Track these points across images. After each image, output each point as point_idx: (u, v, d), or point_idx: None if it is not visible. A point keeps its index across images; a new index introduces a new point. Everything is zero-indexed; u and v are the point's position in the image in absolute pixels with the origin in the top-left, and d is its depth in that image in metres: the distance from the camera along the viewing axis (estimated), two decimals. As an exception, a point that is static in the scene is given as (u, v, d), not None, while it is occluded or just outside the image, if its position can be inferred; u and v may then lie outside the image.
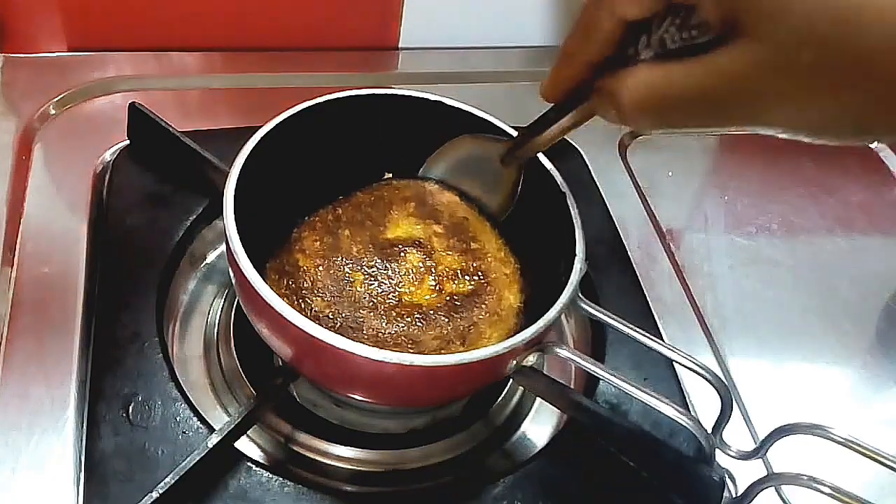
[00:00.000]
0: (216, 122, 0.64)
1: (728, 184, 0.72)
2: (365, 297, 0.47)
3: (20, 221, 0.56)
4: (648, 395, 0.43)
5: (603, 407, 0.48)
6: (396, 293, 0.47)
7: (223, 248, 0.55)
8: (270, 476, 0.45)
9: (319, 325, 0.40)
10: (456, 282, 0.49)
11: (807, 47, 0.29)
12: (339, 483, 0.48)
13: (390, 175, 0.53)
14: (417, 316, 0.47)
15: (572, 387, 0.55)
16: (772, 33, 0.29)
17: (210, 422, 0.47)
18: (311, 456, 0.49)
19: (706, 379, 0.44)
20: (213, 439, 0.44)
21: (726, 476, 0.47)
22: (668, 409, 0.43)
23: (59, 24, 0.69)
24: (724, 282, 0.63)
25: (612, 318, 0.46)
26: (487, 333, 0.47)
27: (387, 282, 0.48)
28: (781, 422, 0.45)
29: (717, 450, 0.45)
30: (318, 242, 0.49)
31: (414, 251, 0.49)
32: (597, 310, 0.47)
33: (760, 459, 0.47)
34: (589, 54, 0.37)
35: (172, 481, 0.42)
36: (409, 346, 0.45)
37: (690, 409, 0.53)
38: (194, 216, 0.57)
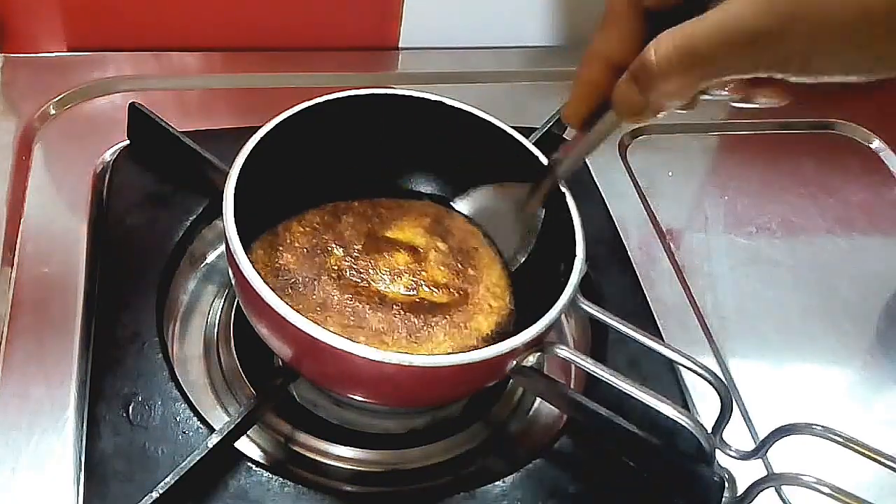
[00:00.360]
0: (216, 122, 0.64)
1: (728, 184, 0.72)
2: (333, 269, 0.48)
3: (20, 221, 0.56)
4: (648, 395, 0.43)
5: (603, 407, 0.48)
6: (366, 279, 0.48)
7: (223, 248, 0.55)
8: (270, 476, 0.45)
9: (278, 276, 0.45)
10: (433, 291, 0.49)
11: None
12: (339, 483, 0.48)
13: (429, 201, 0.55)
14: (375, 300, 0.47)
15: (572, 387, 0.55)
16: None
17: (210, 422, 0.47)
18: (311, 456, 0.49)
19: (706, 379, 0.44)
20: (213, 439, 0.44)
21: (726, 476, 0.47)
22: (668, 409, 0.43)
23: (59, 24, 0.69)
24: (724, 282, 0.63)
25: (613, 319, 0.46)
26: (440, 338, 0.46)
27: (363, 268, 0.49)
28: (781, 421, 0.45)
29: (717, 450, 0.45)
30: (318, 219, 0.51)
31: (405, 254, 0.50)
32: (597, 310, 0.47)
33: (760, 459, 0.47)
34: (610, 51, 0.38)
35: (172, 481, 0.42)
36: (350, 318, 0.46)
37: (691, 409, 0.53)
38: (194, 216, 0.57)
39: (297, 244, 0.49)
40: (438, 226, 0.52)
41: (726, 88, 0.38)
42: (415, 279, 0.49)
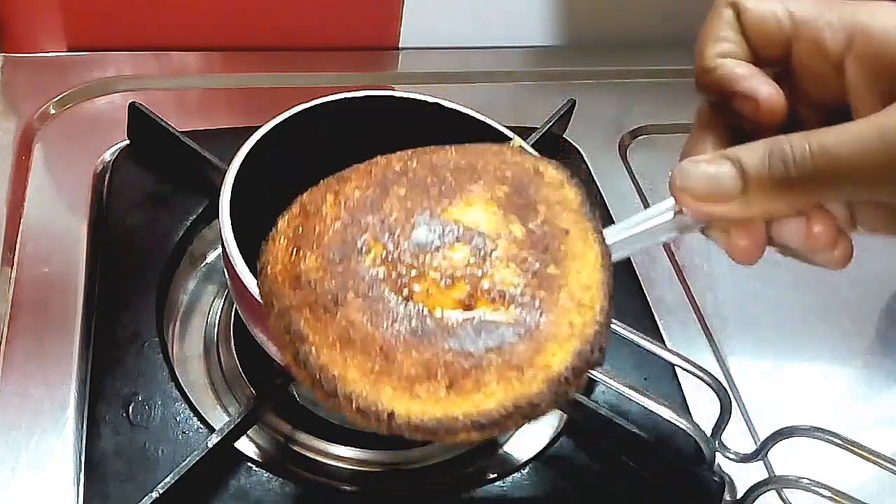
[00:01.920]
0: (216, 122, 0.64)
1: (728, 184, 0.72)
2: (365, 277, 0.36)
3: (20, 221, 0.56)
4: (647, 398, 0.43)
5: (603, 407, 0.48)
6: (407, 292, 0.36)
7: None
8: (270, 476, 0.45)
9: (297, 288, 0.35)
10: (495, 303, 0.36)
11: None
12: (339, 483, 0.48)
13: (519, 141, 0.43)
14: (414, 328, 0.35)
15: (572, 387, 0.55)
16: None
17: (210, 422, 0.47)
18: (311, 456, 0.49)
19: (705, 382, 0.44)
20: (213, 439, 0.44)
21: (726, 478, 0.47)
22: (667, 413, 0.43)
23: (59, 24, 0.69)
24: (724, 282, 0.63)
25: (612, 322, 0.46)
26: (490, 388, 0.34)
27: (405, 274, 0.36)
28: (782, 422, 0.45)
29: (717, 452, 0.45)
30: (360, 191, 0.39)
31: (464, 246, 0.37)
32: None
33: (761, 461, 0.47)
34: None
35: (172, 481, 0.42)
36: (377, 360, 0.34)
37: (691, 409, 0.52)
38: (194, 216, 0.57)
39: (326, 236, 0.38)
40: (519, 195, 0.39)
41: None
42: (473, 287, 0.36)
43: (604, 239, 0.38)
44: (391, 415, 0.33)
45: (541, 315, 0.35)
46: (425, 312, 0.35)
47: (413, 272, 0.36)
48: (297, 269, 0.37)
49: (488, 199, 0.39)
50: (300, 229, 0.38)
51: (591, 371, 0.36)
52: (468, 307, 0.35)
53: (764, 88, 0.33)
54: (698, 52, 0.35)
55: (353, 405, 0.33)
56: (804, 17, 0.33)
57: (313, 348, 0.34)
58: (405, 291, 0.36)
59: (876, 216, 0.34)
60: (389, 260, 0.37)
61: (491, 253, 0.37)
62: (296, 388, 0.51)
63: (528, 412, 0.33)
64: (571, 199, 0.39)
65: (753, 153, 0.31)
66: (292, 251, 0.38)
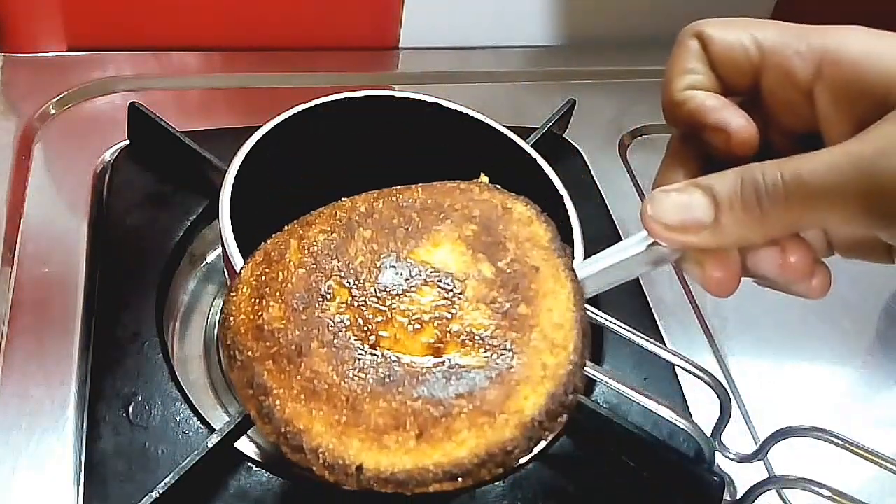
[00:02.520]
0: (216, 122, 0.64)
1: (728, 184, 0.72)
2: (329, 325, 0.35)
3: (20, 221, 0.56)
4: (647, 398, 0.43)
5: (603, 407, 0.48)
6: (373, 339, 0.35)
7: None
8: (270, 476, 0.45)
9: (259, 339, 0.34)
10: (465, 348, 0.35)
11: None
12: (338, 483, 0.48)
13: (486, 179, 0.42)
14: (381, 377, 0.34)
15: (572, 387, 0.55)
16: None
17: (210, 422, 0.47)
18: (311, 456, 0.49)
19: (705, 382, 0.44)
20: (213, 439, 0.44)
21: (726, 478, 0.47)
22: (667, 413, 0.43)
23: (59, 24, 0.69)
24: (724, 282, 0.63)
25: (611, 322, 0.46)
26: (462, 436, 0.32)
27: (371, 321, 0.35)
28: (782, 421, 0.45)
29: (717, 452, 0.45)
30: (325, 235, 0.39)
31: (432, 288, 0.36)
32: (594, 312, 0.46)
33: (761, 461, 0.47)
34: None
35: (172, 481, 0.42)
36: (343, 411, 0.33)
37: (690, 410, 0.52)
38: (194, 216, 0.57)
39: (290, 283, 0.37)
40: (487, 235, 0.38)
41: None
42: (442, 331, 0.35)
43: (576, 275, 0.37)
44: (359, 468, 0.32)
45: (512, 357, 0.34)
46: (393, 359, 0.34)
47: (380, 318, 0.35)
48: (260, 318, 0.36)
49: (456, 239, 0.38)
50: (263, 277, 0.37)
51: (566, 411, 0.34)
52: (438, 352, 0.34)
53: (735, 120, 0.33)
54: (666, 85, 0.35)
55: (320, 460, 0.32)
56: (772, 46, 0.33)
57: (277, 402, 0.33)
58: (372, 338, 0.35)
59: (853, 242, 0.34)
60: (355, 306, 0.36)
61: (460, 294, 0.36)
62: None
63: (501, 459, 0.32)
64: (541, 235, 0.39)
65: (725, 181, 0.31)
66: (255, 301, 0.37)
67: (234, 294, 0.37)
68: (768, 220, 0.30)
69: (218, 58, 0.73)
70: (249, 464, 0.45)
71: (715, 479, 0.46)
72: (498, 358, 0.34)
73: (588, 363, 0.40)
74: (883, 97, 0.29)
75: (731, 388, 0.55)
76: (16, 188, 0.58)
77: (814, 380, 0.59)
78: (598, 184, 0.66)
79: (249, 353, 0.35)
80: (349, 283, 0.36)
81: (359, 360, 0.34)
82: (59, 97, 0.66)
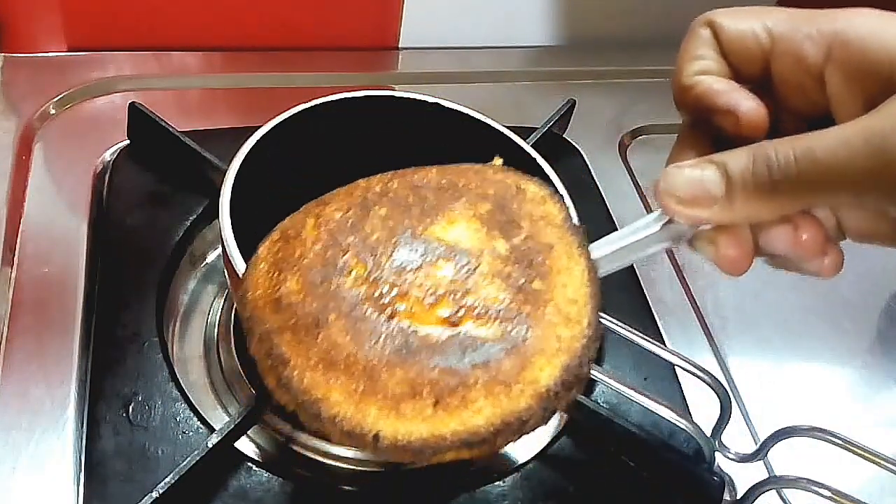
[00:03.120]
0: (216, 122, 0.64)
1: (728, 184, 0.72)
2: (346, 298, 0.35)
3: (20, 221, 0.56)
4: (647, 398, 0.43)
5: (603, 407, 0.48)
6: (391, 306, 0.35)
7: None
8: (270, 476, 0.45)
9: (278, 310, 0.35)
10: (480, 320, 0.35)
11: None
12: (339, 483, 0.48)
13: (500, 161, 0.43)
14: (398, 347, 0.34)
15: (572, 387, 0.55)
16: None
17: (210, 422, 0.47)
18: (311, 456, 0.49)
19: (705, 382, 0.45)
20: (213, 439, 0.44)
21: (726, 478, 0.47)
22: (667, 413, 0.43)
23: (59, 24, 0.69)
24: (724, 282, 0.63)
25: (610, 321, 0.46)
26: (478, 405, 0.33)
27: (388, 294, 0.36)
28: (782, 421, 0.45)
29: (717, 452, 0.45)
30: (341, 213, 0.39)
31: (447, 263, 0.37)
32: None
33: (762, 461, 0.47)
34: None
35: (172, 481, 0.42)
36: (361, 380, 0.33)
37: (690, 410, 0.52)
38: (194, 216, 0.57)
39: (307, 258, 0.37)
40: (501, 213, 0.39)
41: None
42: (458, 304, 0.35)
43: (589, 253, 0.37)
44: (376, 436, 0.32)
45: (527, 330, 0.35)
46: (410, 330, 0.35)
47: (396, 291, 0.36)
48: (278, 292, 0.36)
49: (471, 217, 0.38)
50: (280, 253, 0.38)
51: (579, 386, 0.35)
52: (453, 324, 0.35)
53: (744, 102, 0.33)
54: (676, 72, 0.35)
55: (338, 427, 0.33)
56: (782, 32, 0.33)
57: (295, 371, 0.34)
58: (388, 310, 0.35)
59: (863, 222, 0.34)
60: (371, 279, 0.36)
61: (475, 270, 0.36)
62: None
63: (516, 428, 0.33)
64: (555, 214, 0.39)
65: (738, 158, 0.31)
66: (273, 275, 0.37)
67: (251, 269, 0.38)
68: (780, 197, 0.30)
69: (218, 58, 0.73)
70: (249, 464, 0.45)
71: (715, 479, 0.46)
72: (513, 330, 0.35)
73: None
74: (891, 75, 0.30)
75: (731, 388, 0.55)
76: (16, 188, 0.58)
77: (814, 380, 0.59)
78: (598, 184, 0.66)
79: (267, 326, 0.35)
80: (365, 257, 0.37)
81: (376, 331, 0.34)
82: (59, 97, 0.66)
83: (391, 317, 0.35)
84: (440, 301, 0.35)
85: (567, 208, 0.39)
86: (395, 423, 0.32)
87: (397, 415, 0.33)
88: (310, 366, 0.34)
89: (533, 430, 0.33)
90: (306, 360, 0.34)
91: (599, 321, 0.36)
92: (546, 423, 0.34)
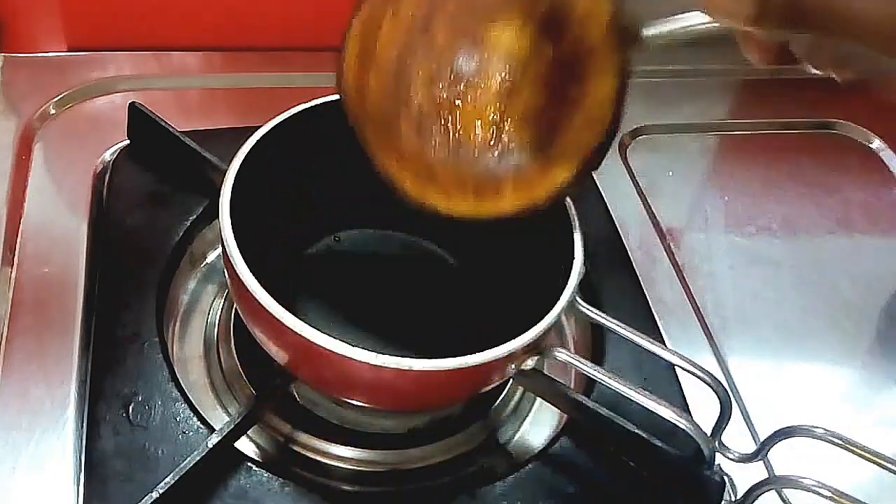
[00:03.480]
0: (216, 122, 0.64)
1: (728, 184, 0.72)
2: (413, 101, 0.43)
3: (20, 221, 0.56)
4: (647, 398, 0.43)
5: (603, 407, 0.48)
6: (448, 115, 0.43)
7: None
8: (270, 476, 0.45)
9: (364, 100, 0.45)
10: (521, 127, 0.42)
11: None
12: (339, 483, 0.48)
13: None
14: (452, 146, 0.43)
15: (572, 387, 0.55)
16: None
17: (210, 422, 0.47)
18: (311, 456, 0.49)
19: (705, 382, 0.44)
20: (213, 439, 0.44)
21: (726, 478, 0.47)
22: (667, 413, 0.43)
23: (59, 24, 0.69)
24: (724, 282, 0.63)
25: (610, 322, 0.46)
26: (506, 193, 0.43)
27: (446, 99, 0.43)
28: (782, 422, 0.45)
29: (717, 452, 0.45)
30: (413, 9, 0.44)
31: (499, 69, 0.42)
32: (595, 313, 0.47)
33: (762, 461, 0.47)
34: None
35: (172, 481, 0.42)
36: (423, 171, 0.44)
37: (690, 410, 0.52)
38: (194, 216, 0.57)
39: (384, 55, 0.44)
40: (556, 13, 0.41)
41: None
42: (503, 110, 0.42)
43: (626, 53, 0.41)
44: (433, 206, 0.44)
45: (557, 131, 0.42)
46: (460, 134, 0.43)
47: (453, 95, 0.42)
48: (362, 81, 0.45)
49: (527, 19, 0.41)
50: (361, 44, 0.46)
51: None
52: (497, 127, 0.42)
53: None
54: None
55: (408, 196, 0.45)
56: None
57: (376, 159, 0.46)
58: (444, 117, 0.43)
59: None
60: (434, 83, 0.43)
61: (523, 73, 0.42)
62: (296, 387, 0.51)
63: (533, 210, 0.43)
64: (604, 13, 0.41)
65: None
66: (357, 65, 0.46)
67: (347, 41, 0.47)
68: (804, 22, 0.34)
69: (218, 58, 0.73)
70: (249, 464, 0.45)
71: (715, 479, 0.46)
72: (547, 130, 0.42)
73: (588, 363, 0.43)
74: None
75: (731, 388, 0.55)
76: (16, 188, 0.58)
77: (814, 380, 0.59)
78: (598, 184, 0.66)
79: (356, 112, 0.45)
80: (429, 66, 0.43)
81: (436, 132, 0.43)
82: (59, 97, 0.66)
83: (447, 120, 0.43)
84: (489, 107, 0.42)
85: (617, 3, 0.42)
86: (446, 203, 0.44)
87: (447, 199, 0.44)
88: (386, 156, 0.45)
89: (545, 208, 0.43)
90: (384, 152, 0.45)
91: (621, 115, 0.41)
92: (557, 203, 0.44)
